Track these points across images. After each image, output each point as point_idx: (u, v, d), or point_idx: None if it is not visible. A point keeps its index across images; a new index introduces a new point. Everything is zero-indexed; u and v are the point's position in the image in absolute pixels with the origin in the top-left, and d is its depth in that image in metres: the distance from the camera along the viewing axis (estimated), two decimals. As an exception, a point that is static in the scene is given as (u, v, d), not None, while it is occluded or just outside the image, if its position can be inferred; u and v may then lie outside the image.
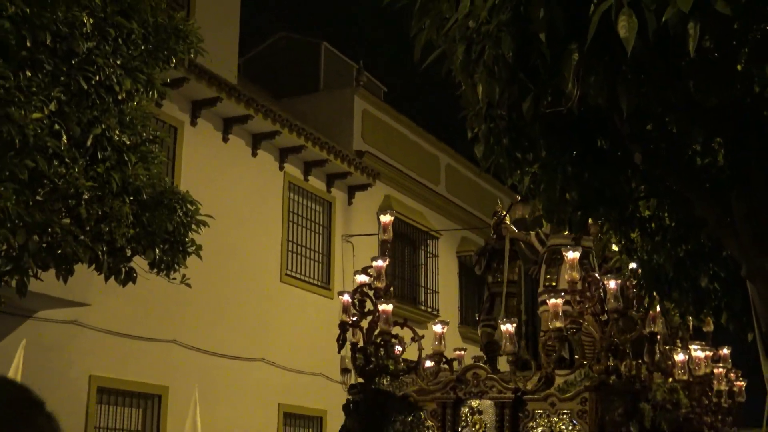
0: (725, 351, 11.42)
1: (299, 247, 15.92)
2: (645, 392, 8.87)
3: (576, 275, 8.53)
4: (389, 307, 9.02)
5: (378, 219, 10.02)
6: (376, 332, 9.07)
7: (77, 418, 11.20)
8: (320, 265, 16.36)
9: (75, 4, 6.35)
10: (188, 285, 7.67)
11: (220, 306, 13.61)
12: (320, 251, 16.44)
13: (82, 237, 6.56)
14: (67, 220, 6.49)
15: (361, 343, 9.10)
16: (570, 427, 8.26)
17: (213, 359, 13.42)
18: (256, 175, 14.94)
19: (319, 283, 16.16)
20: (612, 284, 8.33)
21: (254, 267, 14.55)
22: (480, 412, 8.68)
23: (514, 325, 8.68)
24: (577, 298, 8.56)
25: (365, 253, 14.45)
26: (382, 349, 9.08)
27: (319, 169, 16.31)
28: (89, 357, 11.60)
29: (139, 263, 7.39)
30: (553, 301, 8.41)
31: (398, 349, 9.42)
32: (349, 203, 17.20)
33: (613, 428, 8.13)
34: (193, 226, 7.57)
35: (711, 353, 10.84)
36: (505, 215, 11.17)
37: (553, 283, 9.84)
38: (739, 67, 3.31)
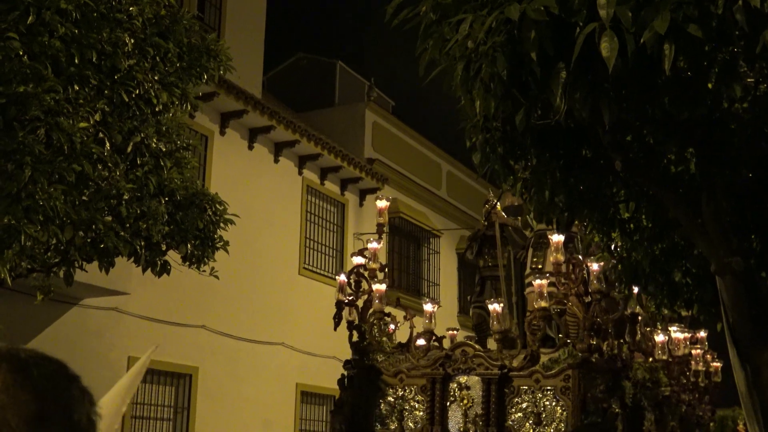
0: (702, 334, 10.87)
1: (316, 244, 15.92)
2: (626, 370, 8.50)
3: (561, 257, 8.10)
4: (383, 287, 8.59)
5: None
6: (371, 311, 8.70)
7: (117, 395, 11.21)
8: (334, 260, 16.35)
9: (118, 26, 6.35)
10: (216, 277, 7.66)
11: (244, 295, 13.62)
12: (334, 247, 16.43)
13: (122, 233, 6.57)
14: (109, 218, 6.50)
15: (356, 321, 8.77)
16: (553, 403, 7.89)
17: (238, 343, 13.42)
18: (278, 179, 14.95)
19: (333, 276, 16.12)
20: (595, 266, 7.86)
21: (275, 261, 14.55)
22: (468, 388, 8.31)
23: (502, 305, 8.24)
24: (562, 280, 8.17)
25: (374, 249, 14.43)
26: (375, 327, 8.75)
27: (334, 174, 16.30)
28: (128, 340, 11.62)
29: (173, 257, 7.40)
30: (538, 282, 7.93)
31: (391, 327, 9.04)
32: (361, 205, 17.18)
33: (595, 404, 7.74)
34: (221, 225, 7.57)
35: (689, 335, 10.37)
36: (496, 203, 10.60)
37: (540, 266, 9.36)
38: (709, 85, 3.29)
